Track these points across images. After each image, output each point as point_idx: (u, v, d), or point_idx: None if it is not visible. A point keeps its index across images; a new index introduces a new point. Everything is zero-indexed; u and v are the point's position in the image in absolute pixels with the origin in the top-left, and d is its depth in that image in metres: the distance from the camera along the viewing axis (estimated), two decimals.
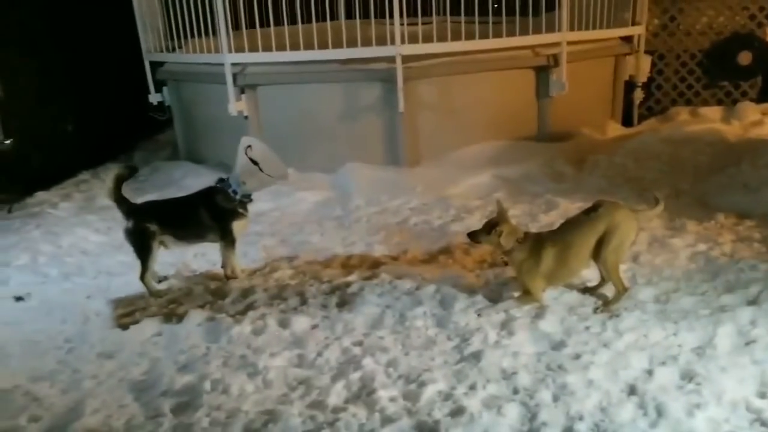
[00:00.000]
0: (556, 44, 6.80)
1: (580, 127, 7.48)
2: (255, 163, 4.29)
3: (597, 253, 3.81)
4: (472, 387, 3.12)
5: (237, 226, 4.44)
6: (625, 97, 8.36)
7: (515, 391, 3.08)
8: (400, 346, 3.54)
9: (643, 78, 8.27)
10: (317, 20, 6.46)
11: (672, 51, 8.76)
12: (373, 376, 3.24)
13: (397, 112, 6.43)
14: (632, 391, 3.03)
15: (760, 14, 8.53)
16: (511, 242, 3.86)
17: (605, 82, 8.02)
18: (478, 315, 3.79)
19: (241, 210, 4.43)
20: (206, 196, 4.43)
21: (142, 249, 4.33)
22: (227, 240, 4.45)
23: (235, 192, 4.36)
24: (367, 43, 6.29)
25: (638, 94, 8.40)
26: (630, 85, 8.31)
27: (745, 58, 8.46)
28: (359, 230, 5.39)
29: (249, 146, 4.32)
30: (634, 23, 7.87)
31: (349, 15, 6.61)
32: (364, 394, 3.12)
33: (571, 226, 3.96)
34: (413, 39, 6.31)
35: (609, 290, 3.91)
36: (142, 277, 4.35)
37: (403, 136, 6.55)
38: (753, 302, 3.74)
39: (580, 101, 7.37)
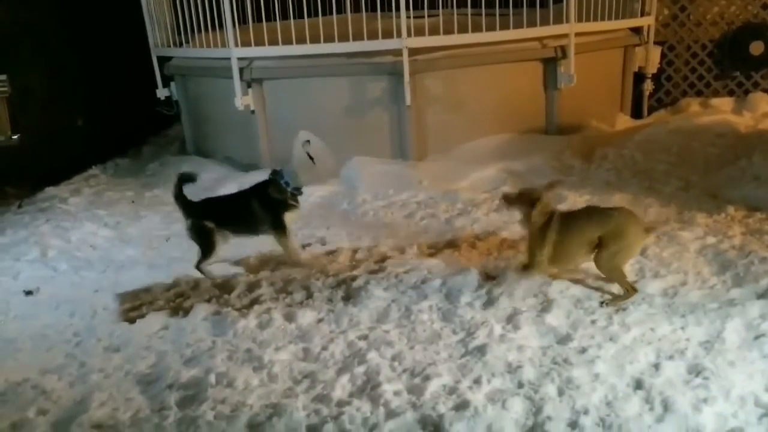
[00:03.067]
0: (564, 36, 6.74)
1: (588, 119, 7.43)
2: (310, 157, 4.40)
3: (597, 253, 3.82)
4: (477, 381, 3.11)
5: (288, 216, 4.53)
6: (635, 89, 8.28)
7: (520, 385, 3.07)
8: (405, 340, 3.54)
9: (652, 69, 8.19)
10: (324, 14, 6.44)
11: (682, 42, 8.66)
12: (378, 370, 3.24)
13: (404, 106, 6.40)
14: (638, 385, 3.01)
15: None
16: (542, 218, 3.89)
17: (614, 73, 7.95)
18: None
19: (291, 201, 4.52)
20: (258, 189, 4.54)
21: (205, 244, 4.46)
22: (279, 230, 4.53)
23: (287, 183, 4.45)
24: (373, 36, 6.26)
25: (648, 86, 8.33)
26: (639, 77, 8.24)
27: (756, 48, 8.34)
28: (366, 224, 5.39)
29: (307, 141, 4.42)
30: (643, 14, 7.80)
31: (356, 8, 6.58)
32: (369, 387, 3.12)
33: (583, 214, 4.01)
34: (420, 32, 6.27)
35: (617, 286, 3.89)
36: (198, 265, 4.46)
37: (410, 130, 6.52)
38: (762, 296, 3.70)
39: (589, 93, 7.32)
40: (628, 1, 7.56)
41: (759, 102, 7.95)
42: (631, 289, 3.79)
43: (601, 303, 3.77)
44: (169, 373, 3.36)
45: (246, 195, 4.59)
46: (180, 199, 4.45)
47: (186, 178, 4.45)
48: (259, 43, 6.45)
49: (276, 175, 4.52)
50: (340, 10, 6.48)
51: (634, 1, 7.70)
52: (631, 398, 2.91)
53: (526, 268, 4.01)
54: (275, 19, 6.40)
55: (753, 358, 3.14)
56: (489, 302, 3.86)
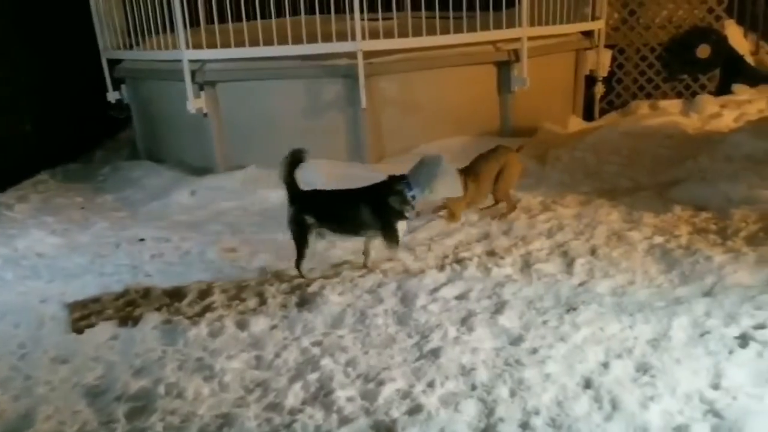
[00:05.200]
0: (517, 39, 6.83)
1: (542, 121, 7.53)
2: (434, 173, 4.35)
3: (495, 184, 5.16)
4: (431, 384, 3.11)
5: (400, 226, 4.42)
6: (587, 92, 8.44)
7: (473, 387, 3.08)
8: (359, 345, 3.53)
9: (603, 72, 8.36)
10: (277, 16, 6.39)
11: (632, 45, 8.86)
12: (332, 376, 3.22)
13: (360, 108, 6.40)
14: (588, 384, 3.04)
15: (718, 7, 8.67)
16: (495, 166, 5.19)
17: (566, 76, 8.08)
18: None
19: (407, 214, 4.42)
20: (373, 192, 4.38)
21: (299, 238, 4.34)
22: (391, 239, 4.39)
23: (413, 197, 4.34)
24: (328, 38, 6.25)
25: (599, 89, 8.50)
26: (591, 80, 8.40)
27: (703, 51, 8.59)
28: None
29: (440, 159, 4.40)
30: (594, 18, 7.94)
31: (310, 10, 6.55)
32: (322, 394, 3.10)
33: (480, 161, 5.17)
34: (375, 34, 6.28)
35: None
36: (298, 266, 4.37)
37: (366, 133, 6.53)
38: (708, 294, 3.80)
39: (542, 96, 7.42)
40: (579, 6, 7.70)
41: (706, 104, 8.17)
42: (513, 206, 5.27)
43: (493, 218, 5.15)
44: (117, 384, 3.28)
45: (357, 195, 4.39)
46: (289, 184, 4.27)
47: (297, 159, 4.23)
48: (212, 45, 6.37)
49: (399, 184, 4.34)
50: (294, 11, 6.42)
51: (585, 6, 7.84)
52: (581, 397, 2.95)
53: (452, 215, 5.13)
54: (228, 21, 6.32)
55: (698, 355, 3.21)
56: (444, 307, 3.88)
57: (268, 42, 6.24)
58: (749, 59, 9.00)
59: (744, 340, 3.26)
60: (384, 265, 4.48)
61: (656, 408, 2.84)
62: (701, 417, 2.78)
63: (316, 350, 3.49)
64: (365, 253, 4.52)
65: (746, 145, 6.01)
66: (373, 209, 4.32)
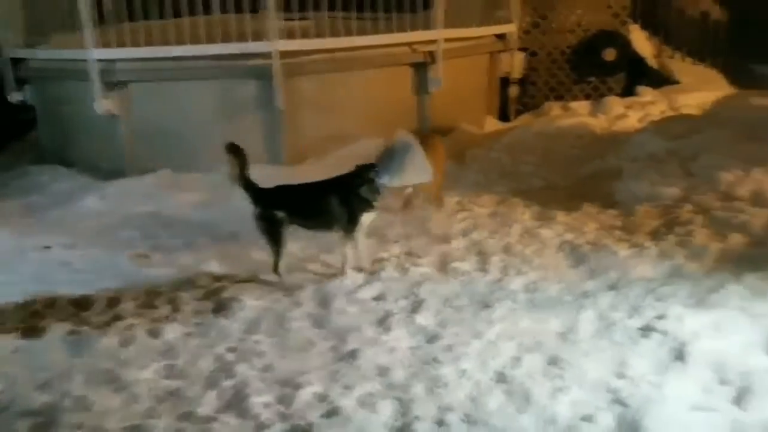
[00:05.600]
0: (433, 41, 6.92)
1: (459, 122, 7.65)
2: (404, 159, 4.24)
3: None
4: (348, 386, 3.11)
5: (366, 217, 4.28)
6: (502, 93, 8.65)
7: (390, 387, 3.11)
8: (276, 350, 3.50)
9: (517, 74, 8.60)
10: (190, 14, 6.23)
11: (544, 48, 9.14)
12: (247, 382, 3.18)
13: (277, 110, 6.33)
14: (501, 379, 3.12)
15: (622, 12, 9.06)
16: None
17: (481, 78, 8.25)
18: None
19: (375, 204, 4.26)
20: (343, 182, 4.24)
21: (273, 237, 4.17)
22: (348, 230, 4.25)
23: (383, 185, 4.20)
24: (242, 38, 6.15)
25: (513, 90, 8.72)
26: (506, 82, 8.61)
27: (609, 54, 8.95)
28: (240, 231, 5.25)
29: (407, 142, 4.27)
30: (507, 21, 8.14)
31: (224, 9, 6.44)
32: (237, 401, 3.05)
33: (436, 145, 5.22)
34: (291, 34, 6.22)
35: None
36: (275, 269, 4.20)
37: (284, 134, 6.46)
38: (613, 287, 3.96)
39: (459, 97, 7.55)
40: (492, 9, 7.87)
41: (613, 105, 8.50)
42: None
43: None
44: (19, 399, 3.12)
45: (326, 186, 4.27)
46: (246, 183, 4.10)
47: (237, 151, 4.09)
48: (121, 44, 6.15)
49: (369, 172, 4.21)
50: (207, 10, 6.29)
51: (499, 9, 8.03)
52: (494, 392, 3.02)
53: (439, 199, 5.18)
54: (138, 20, 6.13)
55: (604, 346, 3.35)
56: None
57: (181, 41, 6.08)
58: (652, 62, 9.45)
59: (646, 330, 3.43)
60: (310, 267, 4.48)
61: (565, 399, 2.95)
62: (606, 406, 2.91)
63: (231, 356, 3.44)
64: (342, 254, 4.36)
65: (649, 145, 6.30)
66: (342, 200, 4.22)
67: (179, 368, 3.35)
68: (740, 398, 2.86)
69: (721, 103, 7.79)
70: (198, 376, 3.27)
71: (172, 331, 3.68)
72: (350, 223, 4.23)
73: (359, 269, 4.34)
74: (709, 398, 2.90)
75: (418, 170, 4.33)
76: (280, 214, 4.15)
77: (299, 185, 4.34)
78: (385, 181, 4.20)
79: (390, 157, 4.28)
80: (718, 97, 8.39)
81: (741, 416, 2.75)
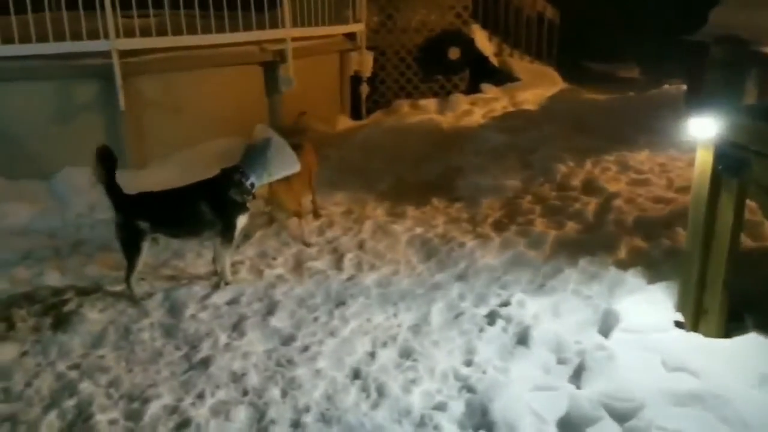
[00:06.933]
0: (282, 40, 6.87)
1: (311, 121, 7.65)
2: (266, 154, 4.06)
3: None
4: (200, 396, 3.04)
5: (241, 221, 4.06)
6: (353, 92, 8.76)
7: (245, 393, 3.07)
8: (123, 363, 3.34)
9: (367, 73, 8.74)
10: (17, 12, 5.75)
11: (392, 47, 9.37)
12: (91, 400, 3.01)
13: (118, 111, 6.01)
14: (356, 375, 3.18)
15: (465, 13, 9.49)
16: None
17: (333, 77, 8.32)
18: None
19: (248, 205, 4.05)
20: (209, 187, 4.06)
21: (130, 247, 3.95)
22: (227, 237, 4.03)
23: (252, 185, 4.00)
24: (77, 36, 5.77)
25: (364, 89, 8.86)
26: (357, 80, 8.73)
27: (454, 53, 9.36)
28: (80, 241, 4.96)
29: (267, 137, 4.07)
30: (355, 21, 8.25)
31: (56, 7, 6.01)
32: (80, 421, 2.89)
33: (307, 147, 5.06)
34: (130, 33, 5.93)
35: None
36: (127, 279, 3.97)
37: (126, 137, 6.14)
38: (461, 278, 4.15)
39: (310, 96, 7.54)
40: (340, 9, 7.94)
41: (458, 102, 8.89)
42: None
43: None
44: None
45: (193, 192, 4.02)
46: (110, 187, 3.79)
47: (107, 155, 3.80)
48: None
49: (236, 173, 4.01)
50: (37, 8, 5.83)
51: (346, 9, 8.12)
52: (350, 389, 3.07)
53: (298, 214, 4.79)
54: None
55: (453, 335, 3.49)
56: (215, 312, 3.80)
57: (9, 40, 5.61)
58: (494, 60, 9.98)
59: (492, 318, 3.61)
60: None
61: (417, 390, 3.05)
62: (457, 394, 3.03)
63: (73, 374, 3.24)
64: (221, 262, 4.17)
65: (491, 140, 6.65)
66: (212, 206, 4.05)
67: (15, 391, 3.11)
68: (577, 376, 3.07)
69: (556, 98, 8.39)
70: (36, 398, 3.06)
71: (6, 352, 3.41)
72: (227, 229, 4.11)
73: (220, 280, 4.19)
74: (550, 378, 3.08)
75: (284, 162, 4.23)
76: (144, 223, 3.95)
77: (164, 192, 4.13)
78: (253, 180, 4.13)
79: (252, 156, 4.19)
80: (553, 93, 9.02)
81: (577, 392, 2.97)
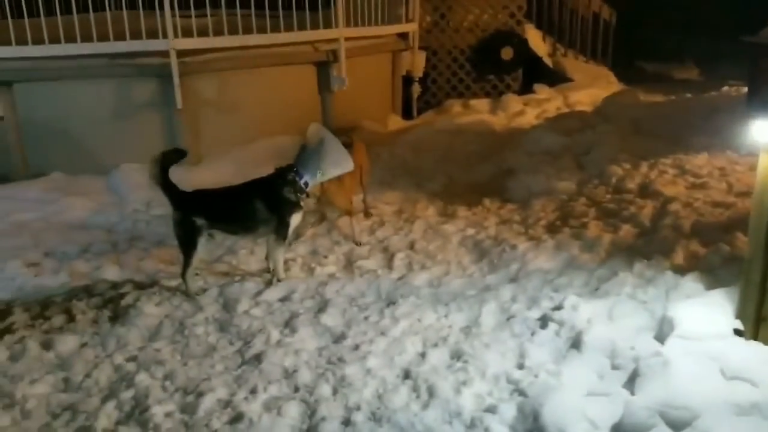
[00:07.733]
0: (335, 40, 6.92)
1: (362, 120, 7.70)
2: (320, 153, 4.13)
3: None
4: (253, 391, 3.07)
5: (294, 219, 4.16)
6: (404, 91, 8.76)
7: (296, 389, 3.09)
8: (178, 357, 3.41)
9: (419, 73, 8.74)
10: (78, 11, 5.93)
11: (444, 47, 9.34)
12: (148, 392, 3.08)
13: (175, 109, 6.15)
14: (407, 375, 3.17)
15: (518, 12, 9.39)
16: None
17: (384, 77, 8.34)
18: None
19: (302, 204, 4.18)
20: (265, 186, 4.14)
21: (187, 243, 4.02)
22: (281, 235, 4.12)
23: (306, 183, 4.08)
24: (137, 36, 5.93)
25: (416, 89, 8.86)
26: (408, 80, 8.73)
27: (506, 53, 9.26)
28: (136, 236, 5.09)
29: (323, 136, 4.13)
30: (407, 20, 8.25)
31: (116, 6, 6.19)
32: (137, 412, 2.96)
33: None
34: (188, 32, 6.06)
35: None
36: (183, 274, 4.04)
37: (183, 134, 6.29)
38: (513, 280, 4.10)
39: (362, 95, 7.59)
40: (393, 8, 7.96)
41: (510, 102, 8.80)
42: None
43: None
44: None
45: (248, 190, 4.14)
46: (166, 186, 3.91)
47: (172, 158, 3.93)
48: (6, 42, 5.79)
49: (290, 172, 4.11)
50: (96, 7, 6.00)
51: (399, 8, 8.13)
52: (400, 389, 3.06)
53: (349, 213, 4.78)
54: (22, 17, 5.78)
55: (505, 338, 3.45)
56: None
57: (71, 39, 5.80)
58: (547, 60, 9.85)
59: (544, 321, 3.55)
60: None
61: (468, 392, 3.01)
62: (508, 397, 2.99)
63: (131, 366, 3.32)
64: (275, 259, 4.23)
65: (544, 140, 6.56)
66: (267, 204, 4.12)
67: (75, 381, 3.21)
68: (631, 382, 3.01)
69: (611, 100, 8.21)
70: (95, 388, 3.15)
71: (66, 343, 3.51)
72: (281, 227, 4.17)
73: (272, 277, 4.24)
74: (603, 383, 3.01)
75: (337, 161, 4.24)
76: (200, 220, 4.03)
77: (220, 189, 4.25)
78: (307, 179, 4.16)
79: (306, 155, 4.23)
80: (608, 94, 8.84)
81: (632, 399, 2.90)
